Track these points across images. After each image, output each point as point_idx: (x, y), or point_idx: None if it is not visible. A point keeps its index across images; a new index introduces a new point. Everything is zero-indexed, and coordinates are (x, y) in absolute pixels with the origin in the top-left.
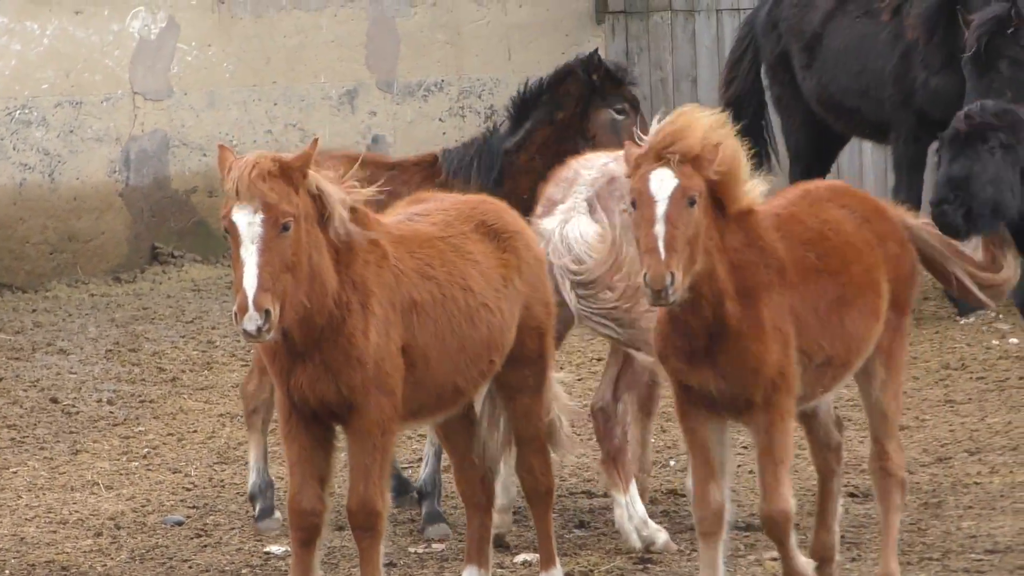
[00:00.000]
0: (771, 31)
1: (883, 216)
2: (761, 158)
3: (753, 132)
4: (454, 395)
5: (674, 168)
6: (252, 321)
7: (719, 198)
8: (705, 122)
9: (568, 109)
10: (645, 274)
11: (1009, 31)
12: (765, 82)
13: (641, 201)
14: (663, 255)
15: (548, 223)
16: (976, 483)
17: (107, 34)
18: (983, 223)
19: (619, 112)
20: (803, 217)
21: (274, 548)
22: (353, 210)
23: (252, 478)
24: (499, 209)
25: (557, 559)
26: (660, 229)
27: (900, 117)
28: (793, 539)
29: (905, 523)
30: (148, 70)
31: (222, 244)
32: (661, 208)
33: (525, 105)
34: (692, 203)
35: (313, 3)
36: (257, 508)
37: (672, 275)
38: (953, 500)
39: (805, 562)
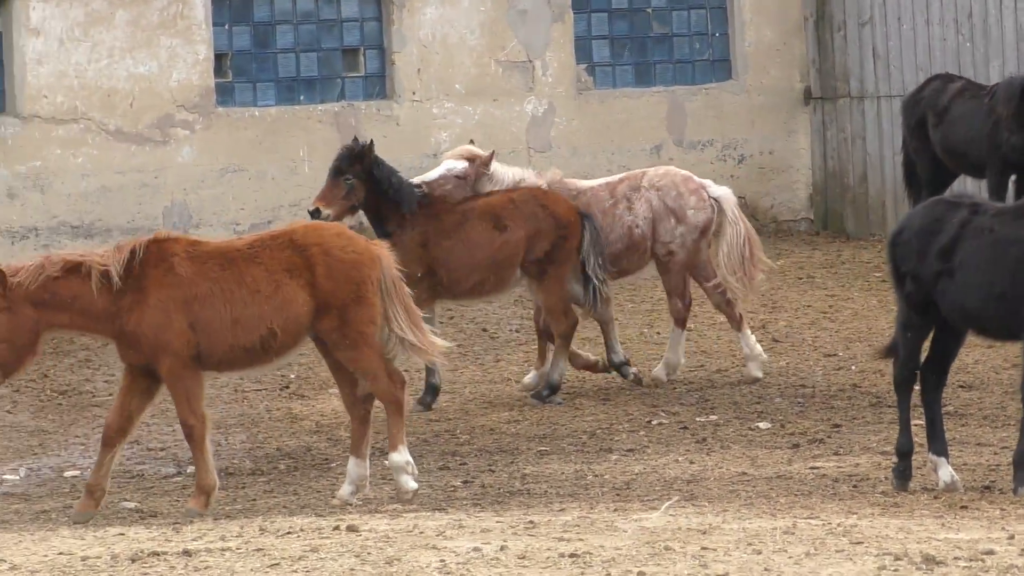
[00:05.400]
0: (914, 106)
1: (315, 249)
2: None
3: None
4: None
5: None
6: None
7: None
8: None
9: None
10: None
11: None
12: (906, 136)
13: None
14: None
15: None
16: None
17: (512, 112)
18: None
19: None
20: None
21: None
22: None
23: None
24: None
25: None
26: None
27: (992, 160)
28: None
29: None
30: (535, 135)
31: None
32: None
33: None
34: None
35: (635, 93)
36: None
37: None
38: None
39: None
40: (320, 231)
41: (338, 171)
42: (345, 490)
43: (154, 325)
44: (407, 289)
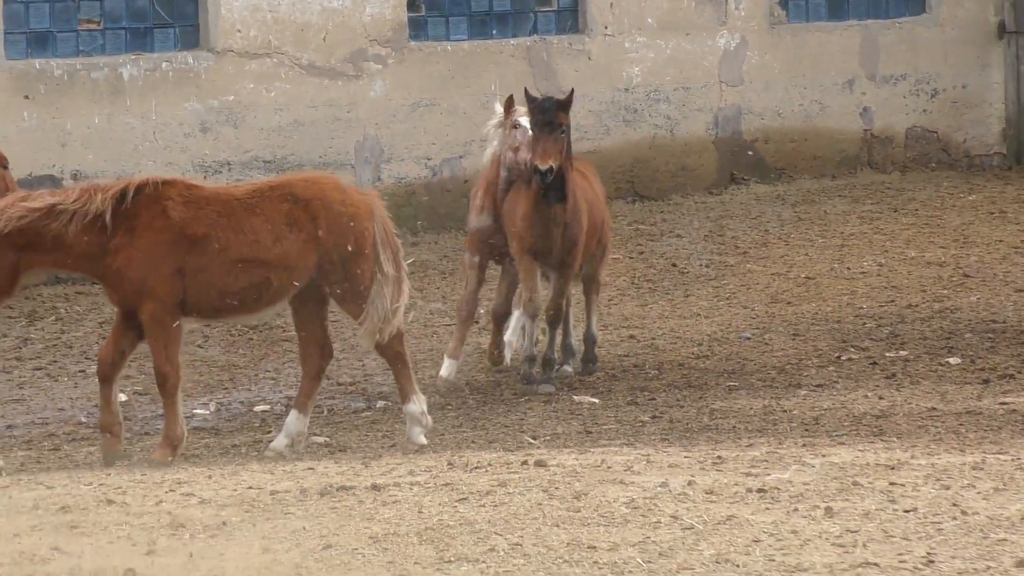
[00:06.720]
0: None
1: (317, 203)
2: None
3: None
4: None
5: None
6: None
7: None
8: None
9: None
10: None
11: None
12: None
13: None
14: None
15: None
16: None
17: (704, 47)
18: None
19: None
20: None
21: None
22: None
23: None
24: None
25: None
26: None
27: None
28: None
29: None
30: (727, 69)
31: (768, 170)
32: None
33: None
34: None
35: (828, 27)
36: None
37: None
38: None
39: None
40: (320, 184)
41: (549, 124)
42: (279, 441)
43: (139, 269)
44: (396, 237)
